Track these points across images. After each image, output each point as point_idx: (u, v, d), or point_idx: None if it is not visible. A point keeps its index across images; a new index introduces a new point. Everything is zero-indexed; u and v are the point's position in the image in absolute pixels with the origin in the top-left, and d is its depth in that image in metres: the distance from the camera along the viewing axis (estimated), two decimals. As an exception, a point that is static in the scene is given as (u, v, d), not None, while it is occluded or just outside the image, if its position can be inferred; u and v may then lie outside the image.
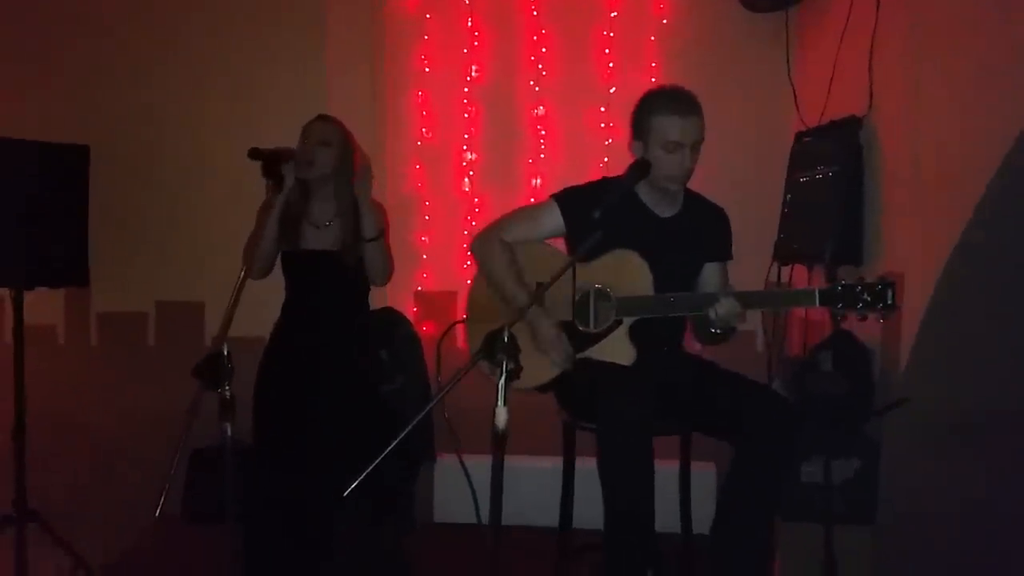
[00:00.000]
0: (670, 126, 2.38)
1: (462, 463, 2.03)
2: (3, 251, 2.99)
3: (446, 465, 3.45)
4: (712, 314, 2.27)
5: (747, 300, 2.30)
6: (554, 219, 2.56)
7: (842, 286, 2.17)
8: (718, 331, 2.36)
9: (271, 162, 2.38)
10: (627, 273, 2.43)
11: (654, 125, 2.41)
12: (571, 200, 2.56)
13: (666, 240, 2.49)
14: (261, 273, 2.78)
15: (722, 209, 2.65)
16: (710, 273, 2.59)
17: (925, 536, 2.55)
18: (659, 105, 2.42)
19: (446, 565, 3.12)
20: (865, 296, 2.15)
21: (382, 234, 2.77)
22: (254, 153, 2.35)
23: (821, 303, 2.19)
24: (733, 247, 2.66)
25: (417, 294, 3.93)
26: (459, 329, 3.48)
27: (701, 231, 2.57)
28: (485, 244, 2.62)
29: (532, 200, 3.79)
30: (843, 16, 2.99)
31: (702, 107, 2.44)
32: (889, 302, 2.14)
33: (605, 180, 2.63)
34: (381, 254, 2.79)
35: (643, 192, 2.52)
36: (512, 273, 2.54)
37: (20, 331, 3.10)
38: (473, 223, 3.89)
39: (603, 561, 2.34)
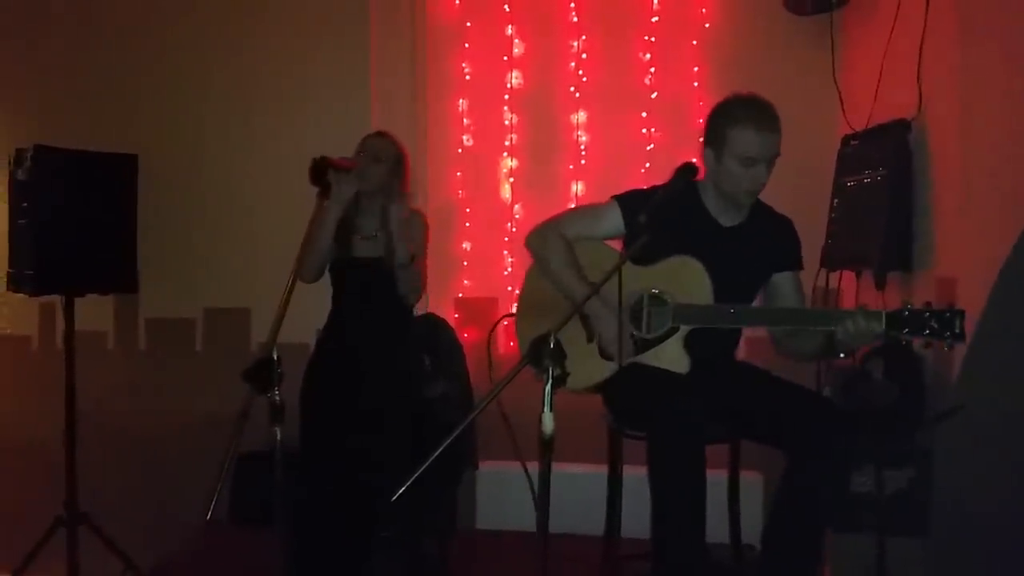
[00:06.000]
0: (749, 141, 2.29)
1: (525, 469, 1.96)
2: (55, 259, 3.06)
3: (488, 472, 3.44)
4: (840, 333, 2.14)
5: (797, 316, 2.25)
6: (614, 219, 2.49)
7: (909, 310, 2.05)
8: (843, 354, 2.29)
9: (318, 169, 2.43)
10: (686, 280, 2.37)
11: (731, 137, 2.31)
12: (633, 202, 2.47)
13: (728, 249, 2.42)
14: (314, 275, 2.82)
15: (789, 219, 2.55)
16: (783, 284, 2.48)
17: (979, 548, 2.49)
18: (739, 117, 2.31)
19: (487, 572, 3.11)
20: (932, 323, 2.02)
21: (412, 261, 2.77)
22: (313, 161, 2.43)
23: (886, 327, 2.07)
24: None
25: (458, 300, 3.94)
26: (501, 333, 3.48)
27: (766, 242, 2.48)
28: (542, 237, 2.57)
29: (572, 207, 3.78)
30: (890, 17, 2.94)
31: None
32: (957, 331, 2.01)
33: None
34: (408, 281, 2.79)
35: (708, 199, 2.46)
36: (570, 265, 2.48)
37: (71, 337, 3.16)
38: (514, 229, 3.89)
39: (650, 570, 2.31)
